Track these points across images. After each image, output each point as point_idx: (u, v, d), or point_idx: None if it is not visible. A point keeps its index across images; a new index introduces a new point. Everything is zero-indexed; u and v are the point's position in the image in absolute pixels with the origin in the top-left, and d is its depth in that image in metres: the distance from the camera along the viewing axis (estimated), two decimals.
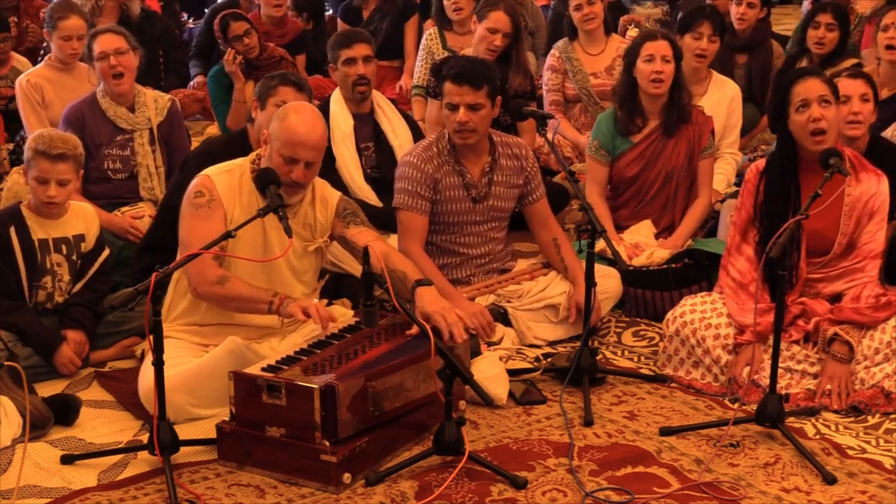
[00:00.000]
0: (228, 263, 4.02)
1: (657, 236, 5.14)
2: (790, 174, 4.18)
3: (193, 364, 3.95)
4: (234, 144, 4.79)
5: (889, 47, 5.64)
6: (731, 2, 6.99)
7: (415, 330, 3.82)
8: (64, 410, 3.94)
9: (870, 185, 4.19)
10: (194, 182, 4.04)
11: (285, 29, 7.75)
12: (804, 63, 6.41)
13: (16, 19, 7.18)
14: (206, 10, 8.52)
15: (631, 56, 5.15)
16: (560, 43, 6.60)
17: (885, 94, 5.57)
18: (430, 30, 7.24)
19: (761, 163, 4.31)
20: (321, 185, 4.20)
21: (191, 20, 9.40)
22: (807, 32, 6.40)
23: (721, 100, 5.84)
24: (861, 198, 4.18)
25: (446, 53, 6.82)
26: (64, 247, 4.41)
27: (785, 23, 7.50)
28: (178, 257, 4.04)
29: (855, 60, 6.35)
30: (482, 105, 4.48)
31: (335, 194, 4.23)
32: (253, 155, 4.13)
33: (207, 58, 7.74)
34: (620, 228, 5.19)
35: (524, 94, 5.93)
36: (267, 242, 4.06)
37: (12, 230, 4.33)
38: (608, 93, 6.27)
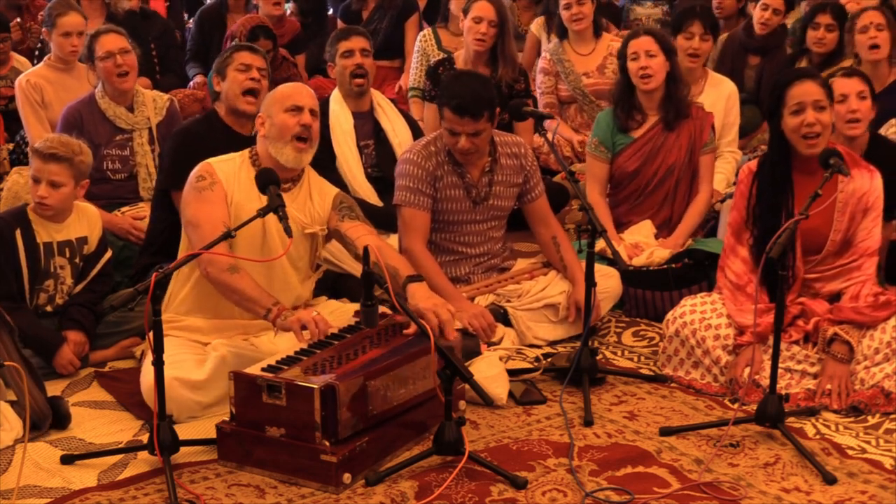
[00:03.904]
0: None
1: (657, 230, 5.15)
2: (783, 175, 4.18)
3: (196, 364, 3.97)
4: (205, 121, 4.94)
5: (874, 46, 5.68)
6: (752, 4, 7.00)
7: (412, 329, 3.83)
8: (55, 415, 3.93)
9: (863, 182, 4.20)
10: (195, 169, 4.13)
11: (283, 29, 7.73)
12: (804, 63, 6.42)
13: (20, 20, 7.18)
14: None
15: (622, 58, 5.22)
16: (551, 45, 6.63)
17: None
18: (425, 30, 7.25)
19: (753, 164, 4.31)
20: (318, 181, 4.30)
21: (190, 20, 9.39)
22: (806, 33, 6.42)
23: (718, 98, 5.84)
24: (854, 194, 4.19)
25: (441, 54, 6.81)
26: (67, 250, 4.41)
27: (785, 23, 7.48)
28: (184, 237, 4.15)
29: (852, 60, 6.35)
30: (483, 129, 4.48)
31: (333, 189, 4.31)
32: (250, 149, 4.20)
33: (204, 59, 7.73)
34: (620, 225, 5.20)
35: (520, 93, 5.93)
36: (266, 234, 4.11)
37: (18, 233, 4.32)
38: (602, 91, 6.31)
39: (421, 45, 7.08)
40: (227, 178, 4.10)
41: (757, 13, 6.89)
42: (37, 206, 4.35)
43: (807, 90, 4.11)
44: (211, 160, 4.17)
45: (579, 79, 6.43)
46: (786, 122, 4.14)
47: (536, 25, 7.34)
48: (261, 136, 4.16)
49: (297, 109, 4.11)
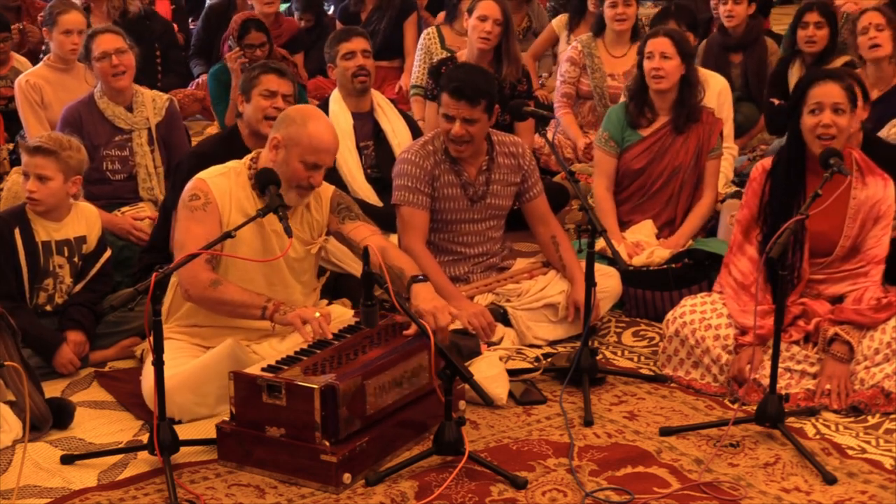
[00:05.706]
0: (227, 265, 4.01)
1: (658, 232, 5.15)
2: (797, 174, 4.18)
3: (194, 363, 3.95)
4: (224, 142, 4.81)
5: (874, 46, 5.69)
6: (718, 2, 7.02)
7: (413, 329, 3.82)
8: (59, 414, 3.93)
9: (876, 190, 4.19)
10: (189, 185, 4.02)
11: (281, 29, 7.74)
12: (797, 65, 6.43)
13: (19, 25, 7.18)
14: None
15: (640, 54, 5.22)
16: (584, 37, 6.61)
17: (875, 94, 5.58)
18: (429, 29, 7.25)
19: (767, 162, 4.31)
20: None
21: (190, 20, 9.40)
22: (797, 34, 6.44)
23: (710, 95, 5.82)
24: (867, 201, 4.18)
25: (445, 53, 6.82)
26: (66, 249, 4.41)
27: (785, 23, 7.48)
28: (175, 259, 4.04)
29: (847, 58, 6.36)
30: (478, 119, 4.48)
31: (328, 189, 4.21)
32: (247, 159, 4.10)
33: (208, 55, 7.74)
34: (622, 223, 5.19)
35: (522, 94, 5.93)
36: (266, 243, 4.05)
37: (17, 231, 4.32)
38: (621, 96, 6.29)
39: (424, 42, 7.08)
40: (221, 195, 3.98)
41: (721, 8, 6.90)
42: (28, 201, 4.35)
43: (827, 91, 4.10)
44: (205, 175, 4.02)
45: (605, 78, 6.43)
46: (804, 122, 4.13)
47: (558, 23, 7.38)
48: (271, 158, 3.99)
49: (316, 168, 3.97)
